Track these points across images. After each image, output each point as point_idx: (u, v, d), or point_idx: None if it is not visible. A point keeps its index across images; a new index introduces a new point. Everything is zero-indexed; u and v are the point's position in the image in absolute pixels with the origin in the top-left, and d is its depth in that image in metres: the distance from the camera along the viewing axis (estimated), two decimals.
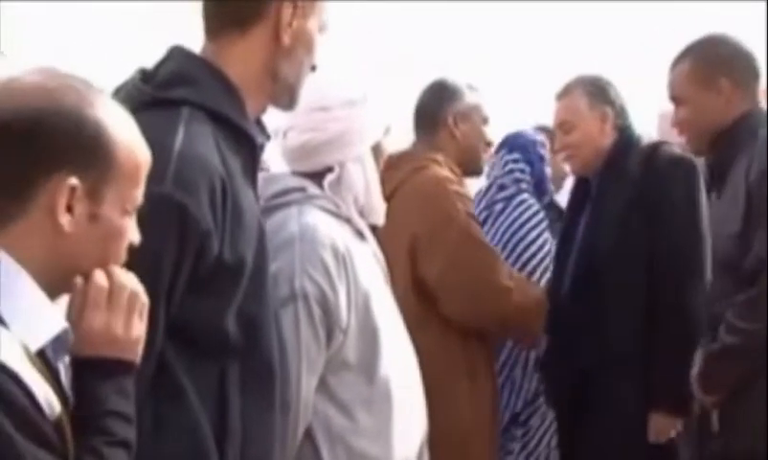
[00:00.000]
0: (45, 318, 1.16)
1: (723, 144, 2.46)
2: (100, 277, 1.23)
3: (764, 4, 3.60)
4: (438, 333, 2.65)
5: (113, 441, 1.21)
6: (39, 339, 1.14)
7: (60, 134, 1.15)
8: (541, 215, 3.16)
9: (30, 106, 1.14)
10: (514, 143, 3.27)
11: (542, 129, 3.53)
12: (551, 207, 3.58)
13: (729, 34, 2.58)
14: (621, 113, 2.92)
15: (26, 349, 1.11)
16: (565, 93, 2.96)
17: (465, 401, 2.67)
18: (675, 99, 2.57)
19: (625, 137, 2.91)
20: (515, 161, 3.21)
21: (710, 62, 2.51)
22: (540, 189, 3.27)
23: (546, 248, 3.08)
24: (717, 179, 2.49)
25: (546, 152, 3.32)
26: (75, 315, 1.22)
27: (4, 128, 1.14)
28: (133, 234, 1.26)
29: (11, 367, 1.06)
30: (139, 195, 1.25)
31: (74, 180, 1.15)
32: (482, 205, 3.21)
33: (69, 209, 1.16)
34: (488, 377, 2.78)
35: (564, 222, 3.08)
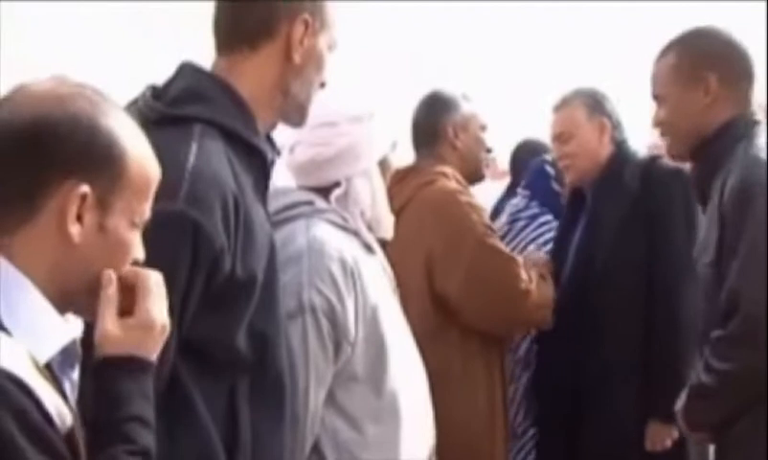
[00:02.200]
0: (52, 329, 1.14)
1: (704, 154, 2.21)
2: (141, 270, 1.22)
3: (764, 4, 3.60)
4: (458, 343, 2.66)
5: (134, 450, 1.18)
6: (47, 351, 1.12)
7: (74, 141, 1.14)
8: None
9: (44, 112, 1.14)
10: (527, 178, 3.34)
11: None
12: None
13: (721, 26, 2.29)
14: (617, 126, 2.93)
15: (34, 360, 1.09)
16: (563, 105, 2.97)
17: (483, 410, 2.69)
18: (657, 97, 2.30)
19: (622, 150, 2.91)
20: (528, 198, 3.25)
21: (696, 56, 2.23)
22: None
23: None
24: (700, 196, 2.26)
25: (558, 186, 3.29)
26: (108, 311, 1.20)
27: (18, 133, 1.13)
28: (138, 250, 1.23)
29: (22, 378, 1.05)
30: (147, 209, 1.23)
31: (85, 188, 1.13)
32: (503, 220, 3.23)
33: (79, 218, 1.14)
34: (501, 386, 2.79)
35: (557, 234, 3.08)
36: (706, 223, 2.21)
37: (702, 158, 2.23)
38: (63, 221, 1.13)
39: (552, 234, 3.14)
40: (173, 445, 1.45)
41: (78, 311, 1.21)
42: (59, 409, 1.09)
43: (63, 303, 1.17)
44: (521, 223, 3.20)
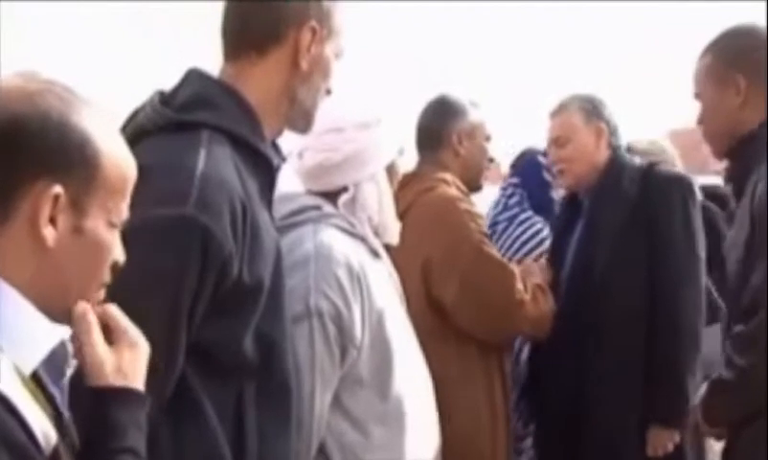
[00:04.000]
0: (37, 335, 1.10)
1: (739, 153, 2.26)
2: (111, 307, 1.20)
3: (764, 4, 3.60)
4: (456, 346, 2.66)
5: None
6: (33, 359, 1.08)
7: (44, 140, 1.08)
8: (543, 233, 3.19)
9: (13, 110, 1.08)
10: (519, 165, 3.35)
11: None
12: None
13: (758, 25, 2.31)
14: (614, 132, 2.93)
15: (19, 373, 1.05)
16: (560, 109, 2.97)
17: (485, 413, 2.70)
18: (696, 95, 2.36)
19: (619, 156, 2.91)
20: (515, 185, 3.27)
21: (728, 57, 2.27)
22: (544, 212, 3.30)
23: None
24: (737, 195, 2.29)
25: (548, 175, 3.33)
26: (95, 338, 1.17)
27: None
28: (118, 252, 1.19)
29: (7, 396, 1.01)
30: (125, 208, 1.18)
31: (57, 188, 1.08)
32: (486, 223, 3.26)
33: (52, 221, 1.09)
34: (502, 389, 2.80)
35: (552, 242, 3.08)
36: (737, 221, 2.24)
37: (737, 157, 2.28)
38: (36, 224, 1.08)
39: (534, 229, 3.16)
40: (181, 448, 1.47)
41: (67, 320, 1.17)
42: (44, 428, 1.06)
43: (51, 312, 1.13)
44: (501, 226, 3.22)
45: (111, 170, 1.14)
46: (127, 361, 1.20)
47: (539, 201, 3.30)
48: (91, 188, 1.12)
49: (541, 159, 3.32)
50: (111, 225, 1.16)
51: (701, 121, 2.36)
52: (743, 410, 2.14)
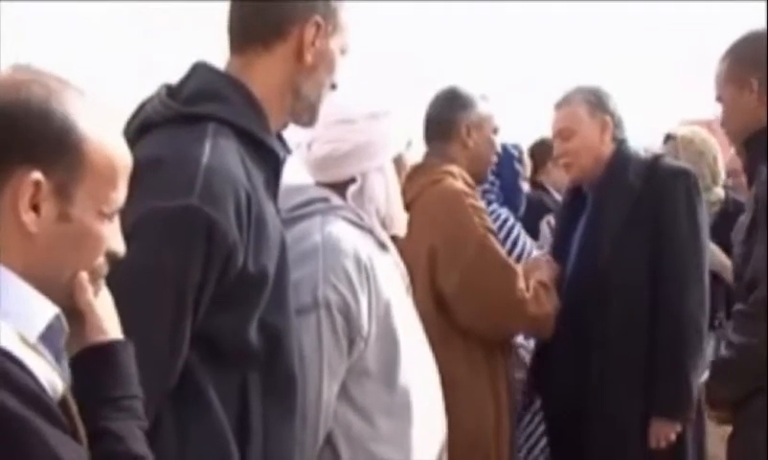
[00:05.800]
0: (35, 307, 1.11)
1: (753, 148, 2.43)
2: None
3: (764, 4, 3.62)
4: (461, 343, 2.67)
5: (142, 425, 1.21)
6: (34, 329, 1.10)
7: (25, 127, 1.09)
8: (509, 223, 3.22)
9: None
10: None
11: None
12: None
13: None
14: (618, 125, 2.94)
15: (23, 338, 1.07)
16: (565, 102, 2.98)
17: (489, 411, 2.70)
18: (718, 98, 2.54)
19: (623, 149, 2.92)
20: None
21: (742, 61, 2.46)
22: (512, 202, 3.37)
23: (513, 257, 3.09)
24: (750, 185, 2.46)
25: (521, 167, 3.44)
26: (95, 306, 1.20)
27: None
28: (116, 242, 1.20)
29: (11, 351, 1.03)
30: (118, 198, 1.18)
31: (37, 175, 1.08)
32: None
33: (35, 208, 1.10)
34: (507, 386, 2.81)
35: (556, 235, 3.10)
36: (747, 207, 2.42)
37: (750, 150, 2.45)
38: (17, 211, 1.09)
39: (501, 220, 3.17)
40: (187, 437, 1.48)
41: (59, 305, 1.16)
42: (50, 379, 1.07)
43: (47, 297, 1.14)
44: None
45: (98, 158, 1.14)
46: (110, 314, 1.23)
47: (510, 191, 3.37)
48: (77, 175, 1.12)
49: (512, 150, 3.41)
50: (102, 214, 1.16)
51: (724, 122, 2.52)
52: (743, 389, 2.19)
